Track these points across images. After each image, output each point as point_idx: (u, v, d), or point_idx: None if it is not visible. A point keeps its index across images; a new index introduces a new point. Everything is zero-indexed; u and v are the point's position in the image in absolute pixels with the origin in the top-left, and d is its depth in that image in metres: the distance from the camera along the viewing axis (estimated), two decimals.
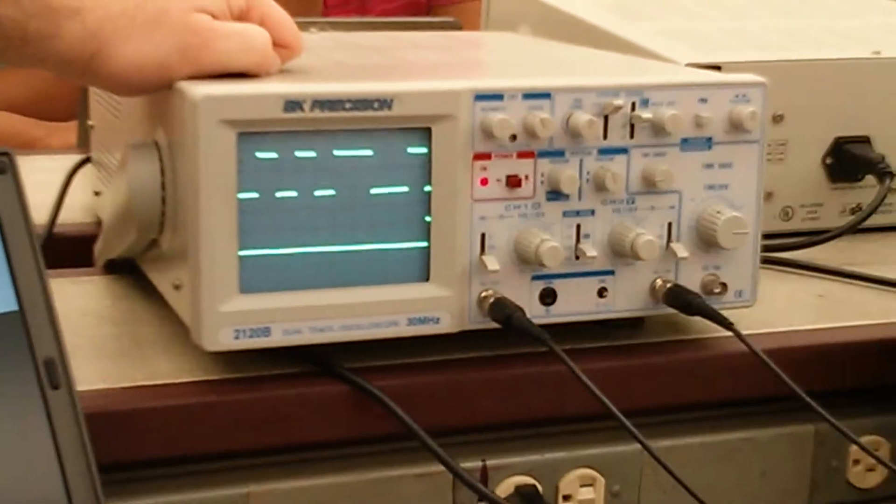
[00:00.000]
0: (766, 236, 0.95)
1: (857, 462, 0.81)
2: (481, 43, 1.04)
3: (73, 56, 0.67)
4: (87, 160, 1.04)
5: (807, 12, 1.15)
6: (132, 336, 0.76)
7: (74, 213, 1.02)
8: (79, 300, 0.82)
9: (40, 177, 1.03)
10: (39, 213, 0.97)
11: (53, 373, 0.60)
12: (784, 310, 0.85)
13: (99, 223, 0.88)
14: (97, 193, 1.00)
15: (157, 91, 0.70)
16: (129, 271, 0.84)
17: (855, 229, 0.97)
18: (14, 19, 0.65)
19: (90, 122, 1.00)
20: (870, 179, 0.99)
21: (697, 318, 0.76)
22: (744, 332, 0.74)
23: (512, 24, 1.15)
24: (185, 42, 0.68)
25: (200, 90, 0.65)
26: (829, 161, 0.99)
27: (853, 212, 1.00)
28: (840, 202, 1.00)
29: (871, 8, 1.18)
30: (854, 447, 0.80)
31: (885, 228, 1.00)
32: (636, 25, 1.07)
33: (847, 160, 0.99)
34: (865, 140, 1.00)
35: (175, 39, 0.68)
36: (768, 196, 0.98)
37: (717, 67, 0.91)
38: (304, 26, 1.03)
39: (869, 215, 0.96)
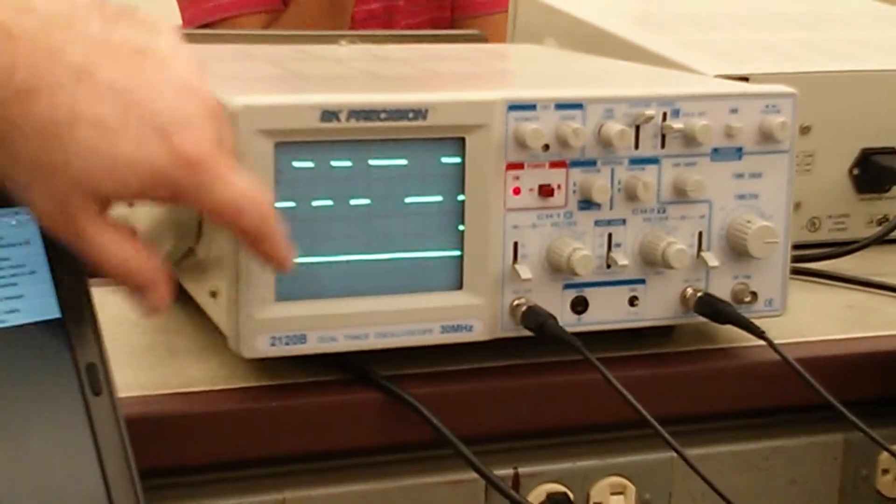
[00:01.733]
0: (794, 247, 0.95)
1: (886, 472, 0.82)
2: (508, 55, 1.05)
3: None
4: None
5: (829, 25, 1.16)
6: (169, 344, 0.77)
7: None
8: (116, 309, 0.82)
9: None
10: None
11: (95, 379, 0.61)
12: (813, 319, 0.85)
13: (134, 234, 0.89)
14: (131, 204, 1.00)
15: None
16: None
17: (882, 240, 0.97)
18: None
19: None
20: None
21: (727, 327, 0.76)
22: (774, 341, 0.74)
23: (538, 36, 1.16)
24: None
25: (239, 100, 0.66)
26: (855, 172, 1.00)
27: (880, 223, 1.00)
28: (867, 213, 1.01)
29: (890, 20, 1.19)
30: (883, 456, 0.80)
31: None
32: (662, 38, 1.07)
33: (874, 171, 0.99)
34: (892, 151, 1.00)
35: (42, 120, 0.58)
36: (796, 206, 0.99)
37: (745, 79, 0.92)
38: (333, 39, 1.04)
39: None
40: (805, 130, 0.98)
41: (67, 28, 0.59)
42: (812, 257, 0.95)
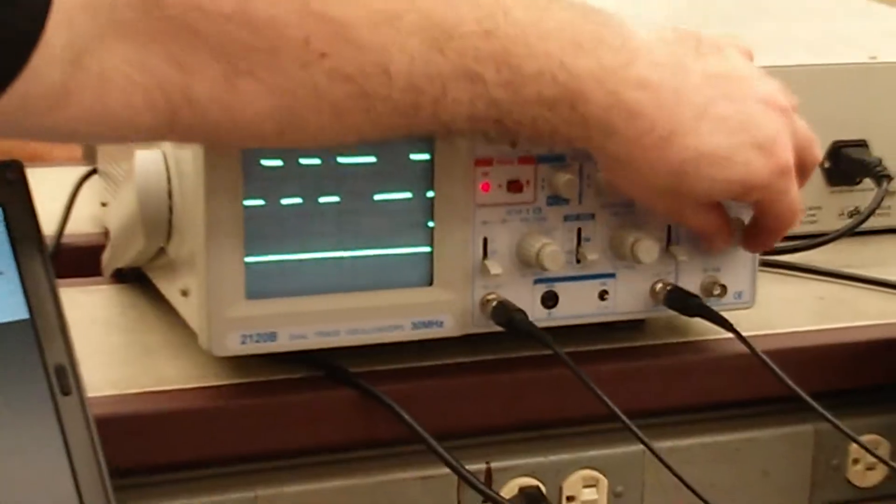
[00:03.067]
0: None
1: (856, 461, 0.82)
2: None
3: (600, 161, 0.70)
4: (93, 171, 1.06)
5: (803, 17, 1.16)
6: (140, 343, 0.77)
7: (82, 225, 1.03)
8: (88, 309, 0.83)
9: (47, 188, 1.03)
10: (47, 224, 0.96)
11: (64, 379, 0.61)
12: (784, 311, 0.86)
13: (106, 234, 0.89)
14: (104, 204, 1.01)
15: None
16: (136, 280, 0.85)
17: (853, 232, 0.97)
18: (549, 123, 0.65)
19: None
20: (867, 183, 1.00)
21: (698, 320, 0.77)
22: (744, 333, 0.75)
23: None
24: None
25: None
26: (827, 165, 1.00)
27: (851, 215, 1.01)
28: (838, 205, 1.01)
29: (867, 13, 1.19)
30: (853, 446, 0.81)
31: (882, 231, 1.01)
32: None
33: (845, 164, 1.00)
34: (863, 144, 1.00)
35: (674, 163, 0.68)
36: None
37: None
38: None
39: (867, 218, 0.97)
40: None
41: (680, 69, 0.67)
42: (783, 250, 0.96)
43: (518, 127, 0.65)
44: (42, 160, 1.63)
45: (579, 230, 0.74)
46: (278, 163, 0.68)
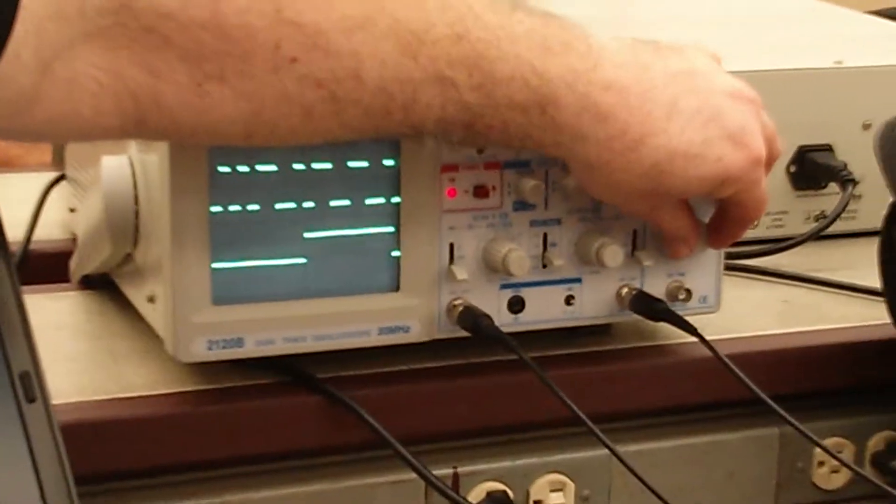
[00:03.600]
0: (733, 243, 0.97)
1: (821, 464, 0.83)
2: None
3: (571, 165, 0.69)
4: (61, 177, 1.05)
5: (768, 22, 1.17)
6: (107, 349, 0.77)
7: (50, 230, 1.03)
8: (55, 315, 0.82)
9: (16, 194, 1.04)
10: (15, 230, 0.98)
11: (29, 386, 0.61)
12: (749, 315, 0.86)
13: (74, 239, 0.89)
14: (72, 210, 1.00)
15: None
16: (104, 286, 0.85)
17: (819, 236, 0.98)
18: (520, 127, 0.65)
19: None
20: (833, 187, 1.01)
21: (665, 325, 0.77)
22: (709, 337, 0.76)
23: None
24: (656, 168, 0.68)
25: None
26: (792, 169, 1.01)
27: (817, 219, 1.01)
28: (804, 209, 1.02)
29: (832, 17, 1.20)
30: (818, 449, 0.81)
31: (848, 235, 1.01)
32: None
33: (810, 168, 1.01)
34: (828, 148, 1.01)
35: (647, 164, 0.68)
36: None
37: None
38: None
39: (832, 222, 0.98)
40: None
41: (643, 70, 0.68)
42: (750, 254, 0.96)
43: (489, 131, 0.66)
44: (12, 165, 1.63)
45: (545, 235, 0.75)
46: (244, 169, 0.69)
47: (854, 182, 0.99)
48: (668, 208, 0.72)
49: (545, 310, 0.75)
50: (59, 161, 1.10)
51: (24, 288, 0.62)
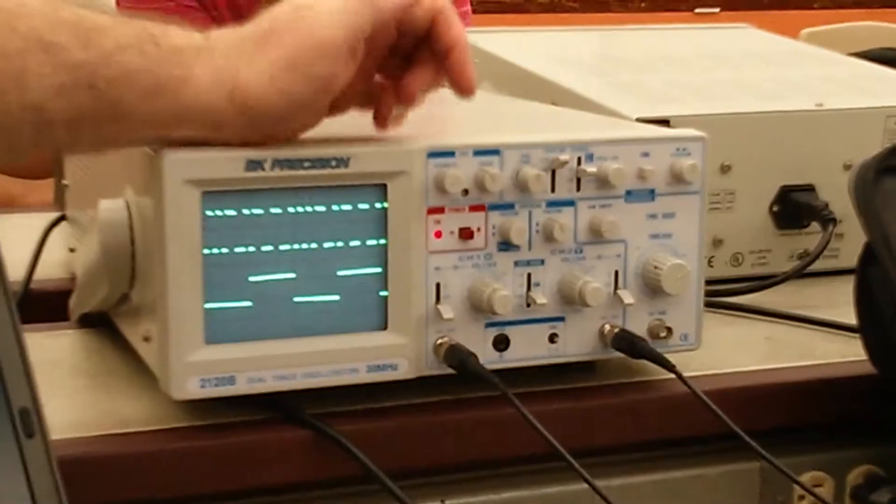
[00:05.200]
0: (717, 281, 0.99)
1: (801, 497, 0.85)
2: (439, 99, 1.08)
3: (212, 99, 0.67)
4: (62, 218, 1.08)
5: (752, 64, 1.20)
6: (104, 386, 0.79)
7: (51, 269, 1.05)
8: (54, 353, 0.85)
9: (17, 234, 1.06)
10: (16, 269, 1.00)
11: (28, 422, 0.63)
12: (731, 352, 0.88)
13: (74, 279, 0.92)
14: (72, 250, 1.03)
15: (312, 107, 0.69)
16: (102, 325, 0.87)
17: (801, 274, 1.00)
18: (142, 68, 0.65)
19: (64, 182, 1.04)
20: (815, 226, 1.03)
21: (647, 362, 0.79)
22: (691, 373, 0.78)
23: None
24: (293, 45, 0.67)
25: (167, 151, 0.69)
26: (775, 209, 1.03)
27: (800, 257, 1.04)
28: (787, 248, 1.04)
29: (813, 60, 1.23)
30: None
31: (830, 273, 1.04)
32: (591, 80, 1.11)
33: (793, 208, 1.03)
34: (810, 188, 1.04)
35: (286, 44, 0.67)
36: (718, 243, 1.02)
37: (665, 121, 0.95)
38: None
39: (814, 260, 1.00)
40: (726, 169, 1.02)
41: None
42: (734, 291, 0.99)
43: (113, 87, 0.64)
44: (14, 205, 1.66)
45: (529, 275, 0.77)
46: (235, 213, 0.71)
47: (835, 221, 1.02)
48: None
49: (529, 348, 0.77)
50: (60, 201, 1.12)
51: (25, 326, 0.65)
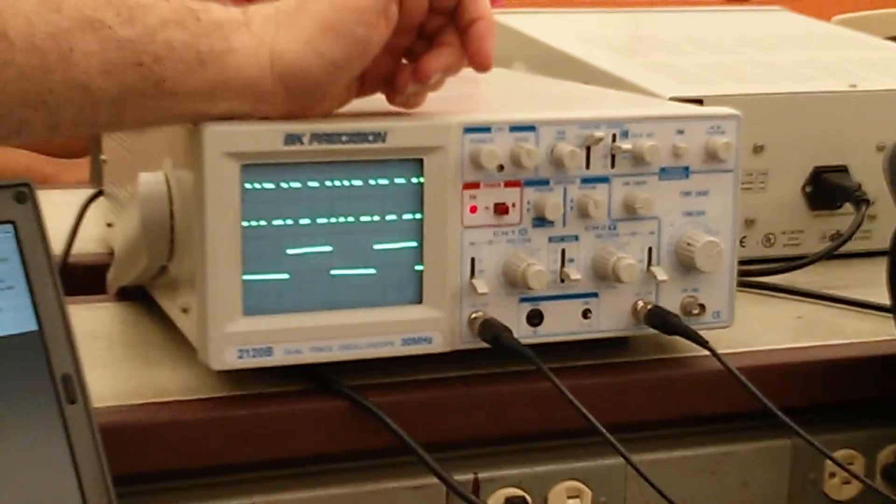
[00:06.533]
0: (749, 262, 0.99)
1: (833, 475, 0.85)
2: (475, 78, 1.08)
3: (253, 72, 0.67)
4: (99, 193, 1.09)
5: (785, 46, 1.20)
6: (143, 357, 0.80)
7: (88, 244, 1.07)
8: (92, 324, 0.86)
9: (55, 210, 1.07)
10: (55, 244, 1.00)
11: (70, 388, 0.65)
12: (763, 330, 0.89)
13: (111, 253, 0.93)
14: (110, 225, 1.04)
15: (343, 67, 0.69)
16: (139, 298, 0.88)
17: (833, 255, 1.01)
18: (185, 42, 0.65)
19: (103, 157, 1.05)
20: (848, 207, 1.03)
21: (681, 338, 0.80)
22: (723, 351, 0.78)
23: (507, 60, 1.20)
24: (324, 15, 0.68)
25: (207, 124, 0.70)
26: (808, 189, 1.04)
27: (832, 238, 1.04)
28: (819, 229, 1.04)
29: (847, 42, 1.23)
30: (830, 461, 0.83)
31: (861, 254, 1.04)
32: (624, 61, 1.11)
33: (826, 189, 1.03)
34: (843, 169, 1.04)
35: (321, 8, 0.68)
36: (751, 223, 1.03)
37: (699, 101, 0.96)
38: None
39: (846, 241, 1.00)
40: (759, 150, 1.02)
41: None
42: (765, 271, 0.99)
43: (159, 63, 0.65)
44: (53, 182, 1.67)
45: (563, 251, 0.77)
46: (274, 185, 0.72)
47: (868, 202, 1.02)
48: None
49: (563, 323, 0.78)
50: (96, 178, 1.14)
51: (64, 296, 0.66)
